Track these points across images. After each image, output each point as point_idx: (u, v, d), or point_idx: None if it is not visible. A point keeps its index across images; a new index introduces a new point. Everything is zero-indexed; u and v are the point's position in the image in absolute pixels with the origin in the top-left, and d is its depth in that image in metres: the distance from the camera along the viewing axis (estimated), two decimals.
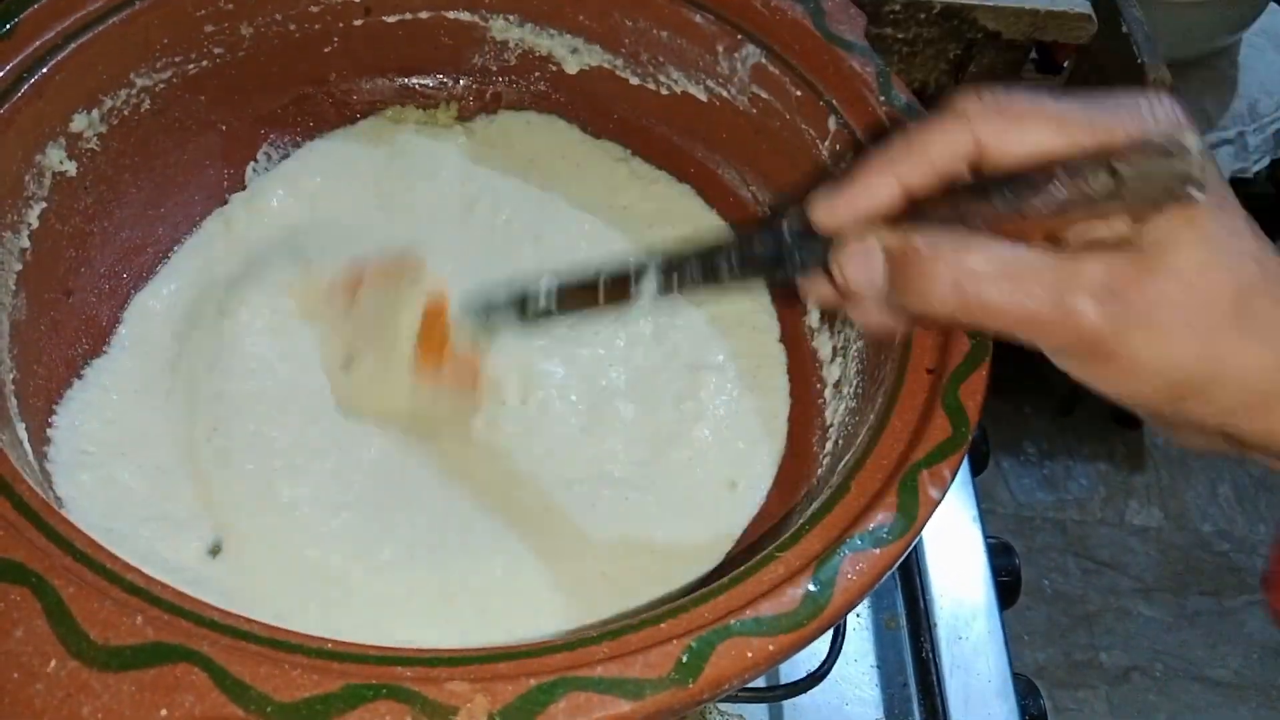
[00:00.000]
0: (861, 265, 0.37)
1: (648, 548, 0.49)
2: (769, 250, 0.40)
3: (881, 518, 0.38)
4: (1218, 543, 1.71)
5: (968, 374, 0.42)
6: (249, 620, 0.34)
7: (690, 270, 0.41)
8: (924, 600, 0.60)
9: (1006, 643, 0.60)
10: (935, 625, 0.59)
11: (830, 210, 0.37)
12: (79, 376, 0.50)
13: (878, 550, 0.37)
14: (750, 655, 0.34)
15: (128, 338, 0.52)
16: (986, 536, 0.64)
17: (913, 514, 0.38)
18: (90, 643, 0.31)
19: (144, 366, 0.51)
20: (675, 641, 0.34)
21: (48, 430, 0.46)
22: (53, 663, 0.31)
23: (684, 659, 0.34)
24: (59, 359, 0.49)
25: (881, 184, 0.36)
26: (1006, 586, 0.66)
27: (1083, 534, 1.71)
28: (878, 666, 0.59)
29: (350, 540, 0.47)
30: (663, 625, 0.35)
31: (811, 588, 0.36)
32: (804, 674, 0.55)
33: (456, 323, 0.51)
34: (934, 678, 0.57)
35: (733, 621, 0.35)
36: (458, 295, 0.50)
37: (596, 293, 0.44)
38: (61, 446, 0.46)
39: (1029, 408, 1.77)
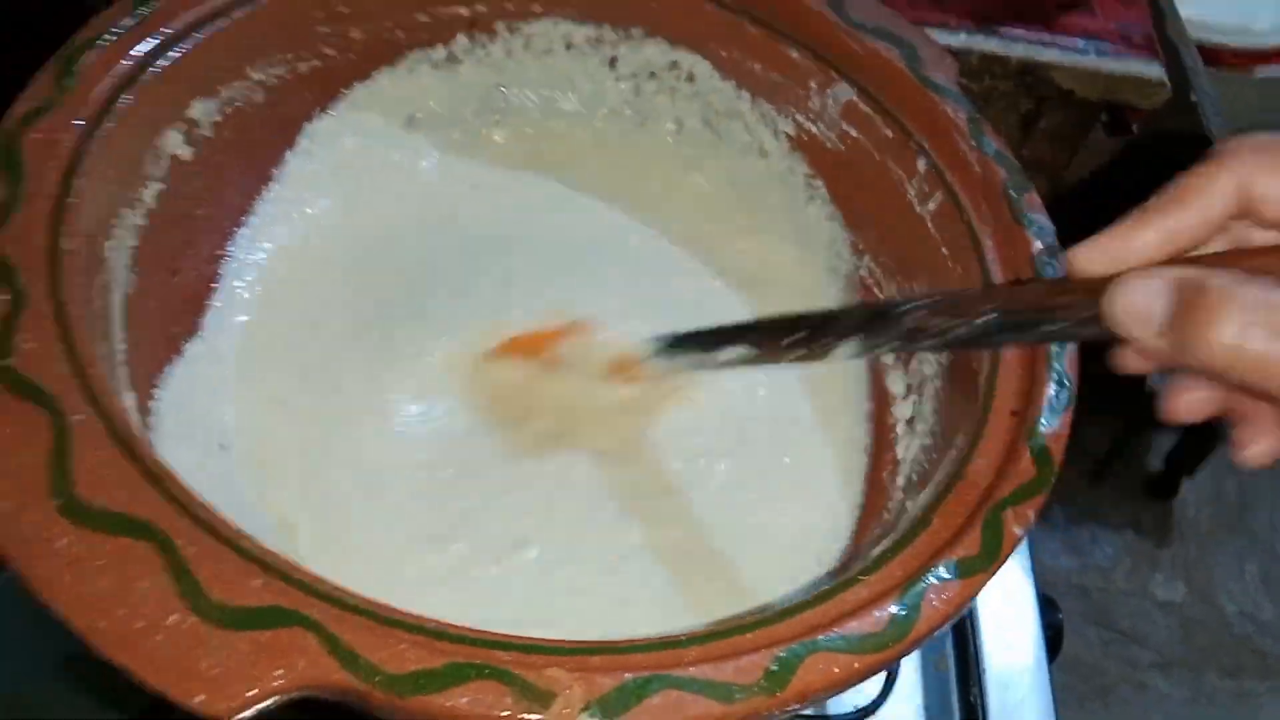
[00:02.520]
0: (1141, 294, 0.33)
1: (726, 571, 0.50)
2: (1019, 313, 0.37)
3: (965, 551, 0.39)
4: (1241, 624, 1.69)
5: (1053, 418, 0.43)
6: (354, 594, 0.35)
7: (904, 331, 0.40)
8: (974, 645, 0.60)
9: (1055, 699, 0.60)
10: (984, 671, 0.59)
11: (1094, 253, 0.35)
12: (179, 353, 0.51)
13: (961, 581, 0.38)
14: (836, 670, 0.35)
15: (222, 322, 0.54)
16: (1038, 589, 0.64)
17: (996, 549, 0.39)
18: (210, 600, 0.32)
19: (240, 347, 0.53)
20: (764, 651, 0.35)
21: (150, 401, 0.48)
22: (174, 616, 0.32)
23: (773, 668, 0.34)
24: (162, 335, 0.50)
25: (1144, 234, 0.34)
26: (1050, 641, 0.66)
27: (1105, 603, 1.70)
28: (925, 707, 0.59)
29: (458, 531, 0.49)
30: (748, 635, 0.36)
31: (898, 612, 0.37)
32: (853, 709, 0.55)
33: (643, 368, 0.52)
34: None
35: (820, 637, 0.36)
36: (638, 343, 0.52)
37: (792, 347, 0.43)
38: (163, 418, 0.47)
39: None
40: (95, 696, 0.47)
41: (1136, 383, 1.43)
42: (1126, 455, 1.67)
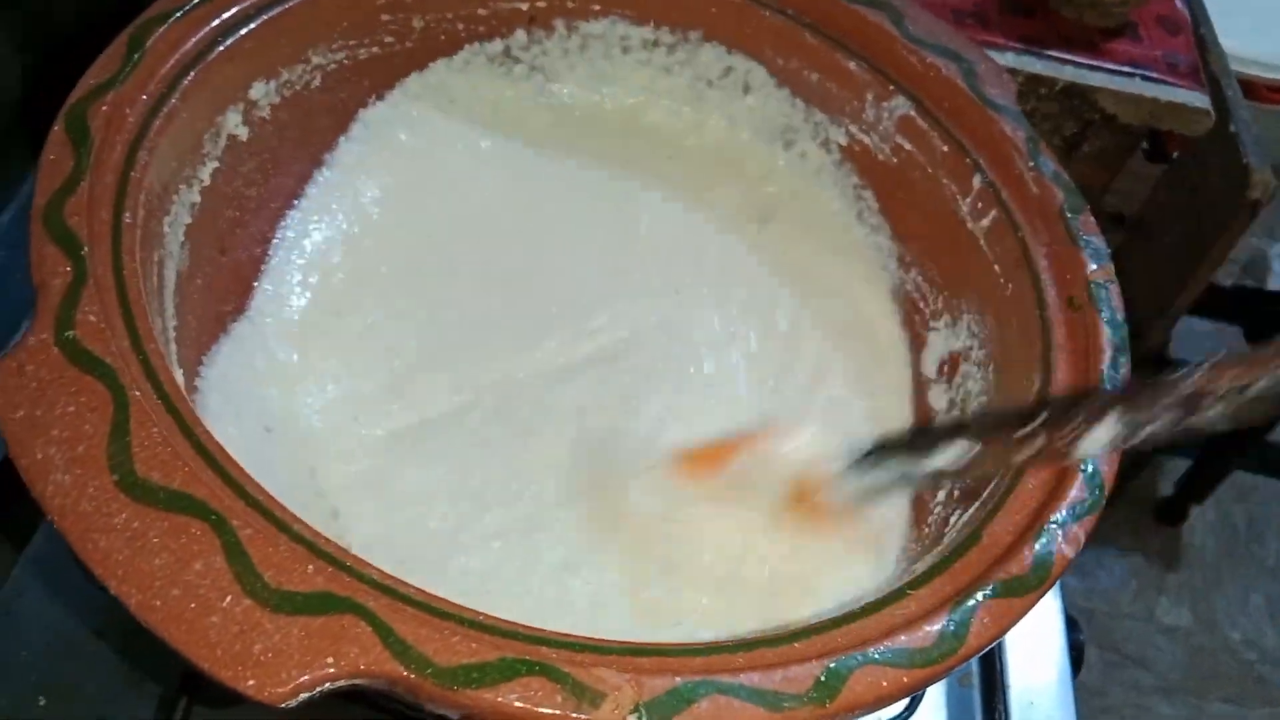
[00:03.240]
0: None
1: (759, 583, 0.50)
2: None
3: (1015, 569, 0.39)
4: (1245, 651, 1.69)
5: None
6: (406, 584, 0.35)
7: (1162, 417, 0.36)
8: (999, 662, 0.60)
9: (1078, 716, 0.60)
10: (1009, 688, 0.59)
11: None
12: (225, 333, 0.51)
13: (1011, 600, 0.38)
14: (885, 684, 0.35)
15: (269, 304, 0.54)
16: (1065, 607, 0.64)
17: (1046, 569, 0.39)
18: (264, 584, 0.32)
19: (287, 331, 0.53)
20: (814, 661, 0.35)
21: (196, 380, 0.48)
22: (228, 598, 0.32)
23: (822, 678, 0.34)
24: (210, 314, 0.50)
25: None
26: (1072, 661, 0.66)
27: (1110, 626, 1.70)
28: None
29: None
30: (796, 645, 0.36)
31: (948, 628, 0.36)
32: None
33: (831, 486, 0.47)
34: None
35: (871, 650, 0.35)
36: (838, 454, 0.47)
37: (1030, 438, 0.39)
38: (208, 397, 0.47)
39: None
40: (129, 666, 0.47)
41: None
42: (1137, 480, 1.66)
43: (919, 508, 0.51)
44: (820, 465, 0.47)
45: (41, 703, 0.47)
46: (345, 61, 0.56)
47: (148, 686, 0.47)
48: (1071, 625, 0.68)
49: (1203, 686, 1.63)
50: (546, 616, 0.36)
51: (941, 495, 0.50)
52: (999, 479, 0.43)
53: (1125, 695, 1.61)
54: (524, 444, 0.52)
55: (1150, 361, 1.09)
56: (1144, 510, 1.77)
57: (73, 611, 0.49)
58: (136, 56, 0.45)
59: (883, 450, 0.45)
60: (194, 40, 0.47)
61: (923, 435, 0.45)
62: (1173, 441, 0.36)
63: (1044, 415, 0.39)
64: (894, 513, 0.51)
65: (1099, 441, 0.37)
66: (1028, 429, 0.39)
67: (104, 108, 0.43)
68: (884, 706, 0.36)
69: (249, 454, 0.45)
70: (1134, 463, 1.59)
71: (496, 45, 0.61)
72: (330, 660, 0.31)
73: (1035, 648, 0.62)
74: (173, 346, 0.45)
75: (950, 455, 0.42)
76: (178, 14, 0.47)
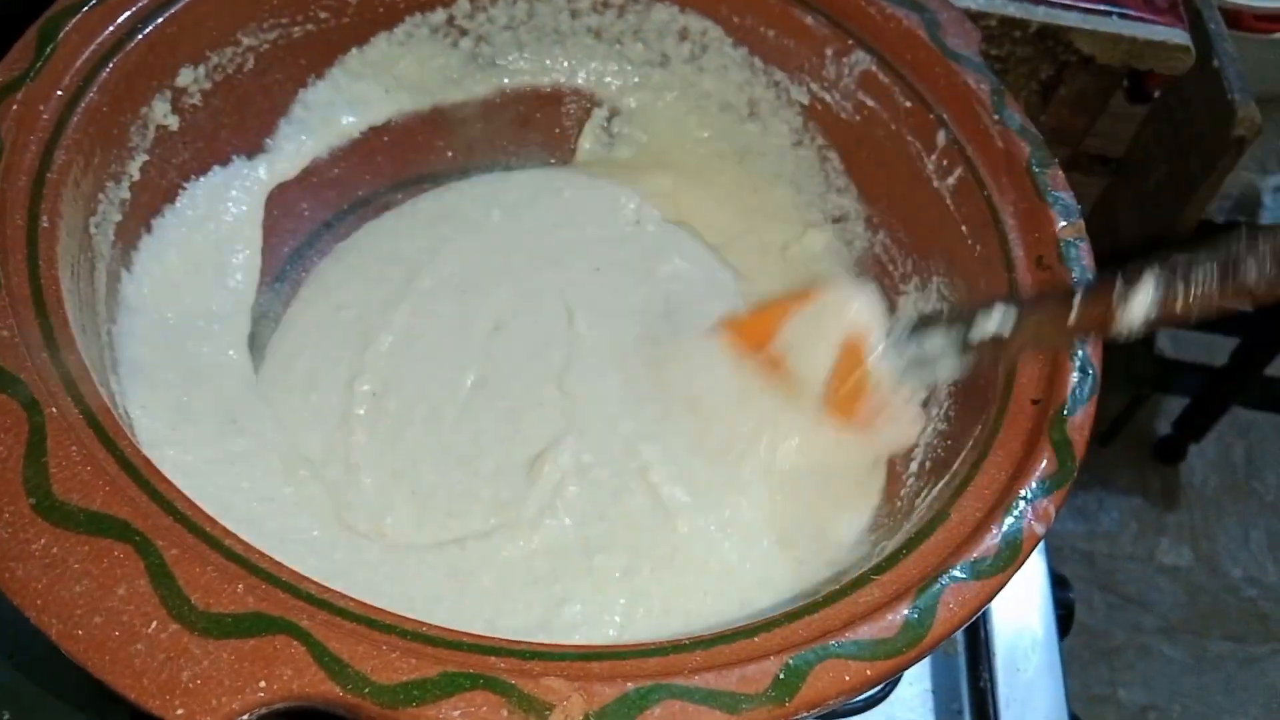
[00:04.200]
0: None
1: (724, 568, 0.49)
2: None
3: (983, 549, 0.37)
4: (1246, 588, 1.69)
5: (1076, 408, 0.41)
6: (344, 596, 0.33)
7: (1202, 277, 0.36)
8: (984, 629, 0.59)
9: (1065, 679, 0.59)
10: (994, 655, 0.58)
11: None
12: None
13: (978, 583, 0.36)
14: (848, 678, 0.34)
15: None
16: (1052, 567, 0.63)
17: (1016, 548, 0.37)
18: (191, 607, 0.31)
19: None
20: (773, 658, 0.33)
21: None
22: (154, 624, 0.30)
23: (781, 676, 0.33)
24: None
25: None
26: (1061, 620, 0.65)
27: (1111, 568, 1.70)
28: (933, 692, 0.58)
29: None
30: (756, 639, 0.35)
31: (912, 615, 0.35)
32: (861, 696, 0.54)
33: (876, 362, 0.48)
34: (991, 709, 0.56)
35: (831, 642, 0.34)
36: (880, 329, 0.49)
37: (1066, 313, 0.40)
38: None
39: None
40: (64, 697, 0.46)
41: (1145, 348, 1.42)
42: (1134, 421, 1.65)
43: (891, 479, 0.50)
44: (870, 326, 0.48)
45: (6, 717, 0.46)
46: (279, 41, 0.53)
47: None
48: (1059, 583, 0.66)
49: (1204, 625, 1.63)
50: None
51: (914, 466, 0.49)
52: (968, 450, 0.42)
53: (1128, 637, 1.61)
54: None
55: None
56: (1143, 451, 1.76)
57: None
58: (48, 50, 0.43)
59: (930, 319, 0.47)
60: (110, 29, 0.45)
61: (967, 307, 0.45)
62: (1209, 321, 0.37)
63: (1082, 296, 0.40)
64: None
65: (1142, 304, 0.38)
66: (1071, 311, 0.40)
67: (14, 107, 0.41)
68: (848, 700, 0.34)
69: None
70: (1132, 401, 1.58)
71: (439, 15, 0.58)
72: (262, 684, 0.30)
73: (1021, 610, 0.61)
74: (108, 352, 0.44)
75: (996, 318, 0.43)
76: (91, 2, 0.45)
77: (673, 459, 0.51)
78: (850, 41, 0.55)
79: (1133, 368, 1.46)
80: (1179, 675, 1.58)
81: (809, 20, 0.56)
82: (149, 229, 0.49)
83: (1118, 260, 0.43)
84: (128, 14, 0.46)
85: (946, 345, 0.46)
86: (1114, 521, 1.73)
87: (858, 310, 0.49)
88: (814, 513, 0.49)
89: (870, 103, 0.55)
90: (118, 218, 0.46)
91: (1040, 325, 0.43)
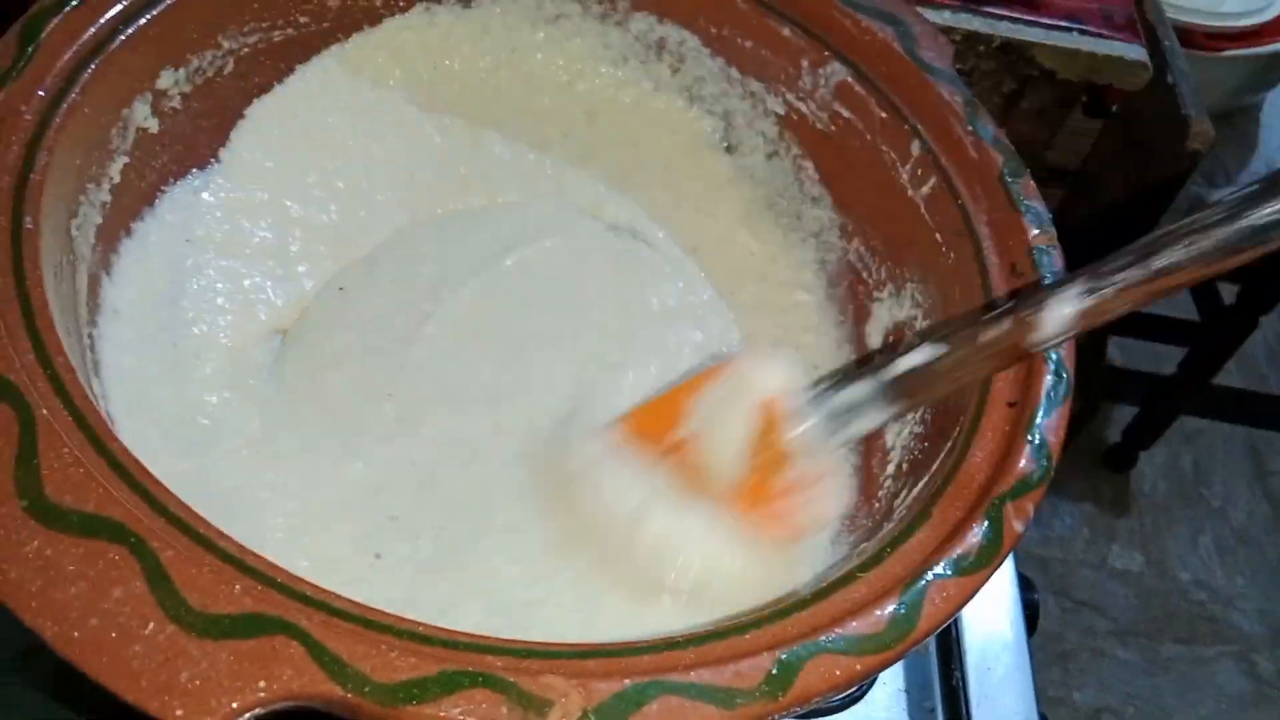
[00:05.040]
0: None
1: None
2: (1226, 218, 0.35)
3: (965, 547, 0.38)
4: (1195, 592, 1.73)
5: (1051, 410, 0.42)
6: (341, 596, 0.33)
7: (1126, 272, 0.37)
8: (955, 629, 0.60)
9: (1034, 678, 0.60)
10: (965, 654, 0.59)
11: None
12: None
13: (962, 579, 0.37)
14: (838, 673, 0.34)
15: None
16: (1018, 569, 0.64)
17: (997, 545, 0.38)
18: (189, 608, 0.31)
19: None
20: (765, 654, 0.34)
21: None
22: (151, 625, 0.30)
23: (774, 671, 0.34)
24: None
25: None
26: (1027, 620, 0.66)
27: (1064, 573, 1.73)
28: (906, 691, 0.59)
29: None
30: (747, 636, 0.35)
31: (899, 611, 0.36)
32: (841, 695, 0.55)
33: (794, 427, 0.44)
34: (963, 707, 0.57)
35: (822, 638, 0.35)
36: (794, 389, 0.45)
37: (988, 345, 0.40)
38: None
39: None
40: (55, 694, 0.46)
41: (1096, 356, 1.44)
42: (1085, 429, 1.68)
43: (868, 481, 0.51)
44: (787, 391, 0.45)
45: None
46: (259, 45, 0.53)
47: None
48: (1025, 585, 0.68)
49: (1156, 628, 1.67)
50: None
51: (890, 469, 0.50)
52: (946, 452, 0.43)
53: (1081, 640, 1.64)
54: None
55: None
56: (1094, 458, 1.80)
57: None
58: (30, 50, 0.42)
59: (848, 370, 0.45)
60: (93, 30, 0.45)
61: (889, 349, 0.44)
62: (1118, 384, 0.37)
63: (1006, 303, 0.40)
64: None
65: (1063, 315, 0.38)
66: (991, 315, 0.40)
67: None
68: (837, 695, 0.35)
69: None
70: (1082, 410, 1.61)
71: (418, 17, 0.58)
72: (262, 684, 0.30)
73: (990, 611, 0.63)
74: (89, 355, 0.43)
75: (918, 357, 0.42)
76: (74, 2, 0.44)
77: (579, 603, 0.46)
78: (826, 53, 0.56)
79: (1083, 377, 1.49)
80: (1132, 677, 1.61)
81: (785, 31, 0.57)
82: (129, 232, 0.49)
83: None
84: (110, 14, 0.45)
85: (866, 391, 0.44)
86: (1067, 527, 1.76)
87: (765, 375, 0.46)
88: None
89: (846, 113, 0.56)
90: (98, 220, 0.46)
91: (964, 356, 0.42)
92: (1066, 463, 1.52)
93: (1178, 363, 1.52)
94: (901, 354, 0.43)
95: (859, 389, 0.44)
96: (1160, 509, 1.81)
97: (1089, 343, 1.44)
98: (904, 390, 0.43)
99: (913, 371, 0.43)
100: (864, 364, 0.46)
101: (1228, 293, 1.40)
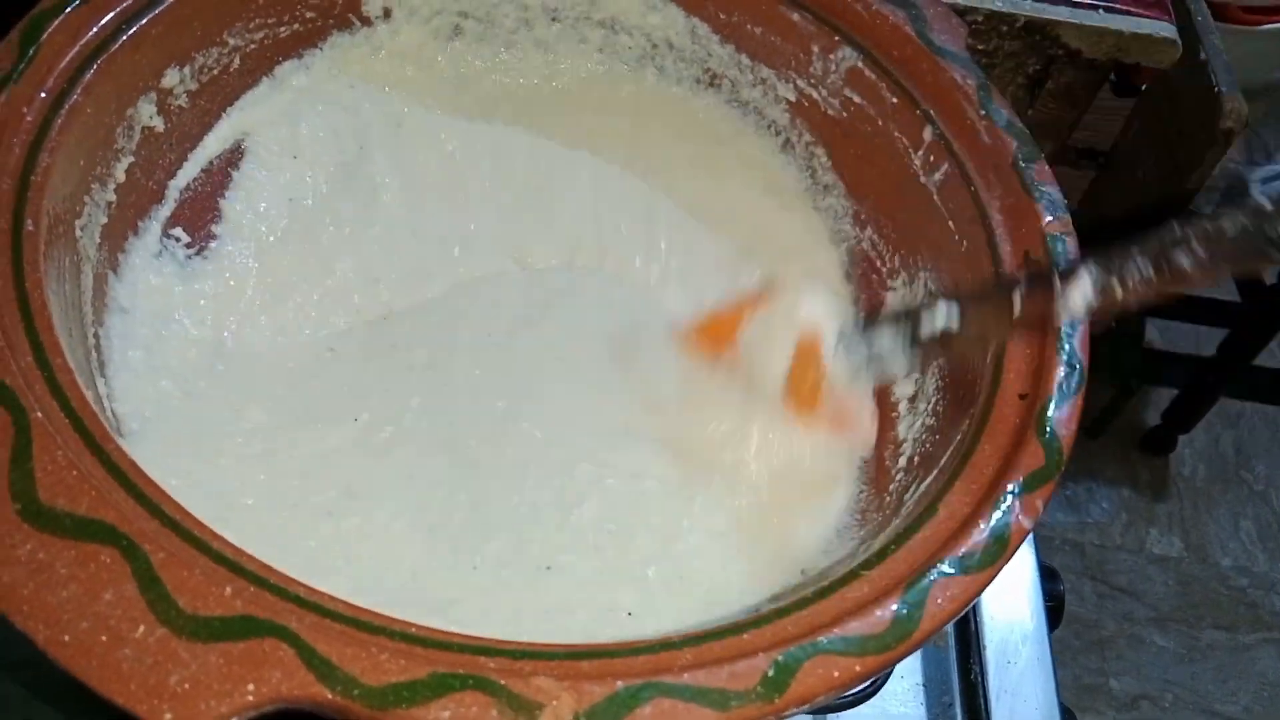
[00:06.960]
0: None
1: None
2: (1244, 228, 0.36)
3: (971, 544, 0.37)
4: (1236, 578, 1.70)
5: (1063, 403, 0.41)
6: (333, 598, 0.33)
7: (1136, 267, 0.38)
8: (975, 622, 0.59)
9: (1055, 671, 0.59)
10: (985, 648, 0.58)
11: None
12: None
13: (967, 578, 0.37)
14: (837, 674, 0.34)
15: None
16: (1039, 561, 0.63)
17: (1004, 542, 0.37)
18: (179, 611, 0.31)
19: None
20: (762, 655, 0.33)
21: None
22: (141, 628, 0.30)
23: (770, 673, 0.33)
24: None
25: None
26: (1051, 611, 0.65)
27: (1101, 558, 1.70)
28: (924, 685, 0.58)
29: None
30: (745, 636, 0.35)
31: (901, 611, 0.35)
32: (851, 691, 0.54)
33: (832, 360, 0.50)
34: (981, 702, 0.56)
35: (821, 638, 0.34)
36: (834, 328, 0.50)
37: (1010, 305, 0.41)
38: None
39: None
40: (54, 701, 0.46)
41: (1134, 340, 1.42)
42: (1123, 412, 1.66)
43: (880, 474, 0.50)
44: (825, 325, 0.50)
45: None
46: (265, 41, 0.53)
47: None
48: (1048, 575, 0.67)
49: (1195, 615, 1.64)
50: None
51: (902, 461, 0.49)
52: (955, 445, 0.42)
53: (1119, 627, 1.62)
54: None
55: None
56: (1131, 442, 1.77)
57: None
58: (31, 51, 0.42)
59: (880, 316, 0.49)
60: (95, 30, 0.45)
61: (914, 305, 0.47)
62: (1147, 309, 0.38)
63: (1021, 288, 0.41)
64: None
65: (1079, 296, 0.40)
66: (1013, 303, 0.42)
67: None
68: (837, 697, 0.34)
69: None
70: (1120, 393, 1.58)
71: None
72: (251, 687, 0.30)
73: (1011, 602, 0.62)
74: (94, 354, 0.43)
75: (942, 314, 0.45)
76: (75, 3, 0.44)
77: (640, 461, 0.51)
78: (837, 38, 0.55)
79: (1120, 360, 1.46)
80: (1170, 664, 1.58)
81: (796, 17, 0.56)
82: (135, 231, 0.49)
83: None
84: (112, 14, 0.45)
85: (896, 342, 0.48)
86: (1104, 512, 1.74)
87: (810, 310, 0.50)
88: (780, 514, 0.49)
89: (857, 99, 0.55)
90: (104, 220, 0.46)
91: (985, 319, 0.45)
92: (1104, 446, 1.51)
93: (1218, 344, 1.49)
94: (928, 314, 0.46)
95: (889, 339, 0.48)
96: (1200, 493, 1.77)
97: (1127, 325, 1.42)
98: (928, 344, 0.47)
99: (941, 332, 0.46)
100: (889, 313, 0.50)
101: (1269, 273, 1.37)
